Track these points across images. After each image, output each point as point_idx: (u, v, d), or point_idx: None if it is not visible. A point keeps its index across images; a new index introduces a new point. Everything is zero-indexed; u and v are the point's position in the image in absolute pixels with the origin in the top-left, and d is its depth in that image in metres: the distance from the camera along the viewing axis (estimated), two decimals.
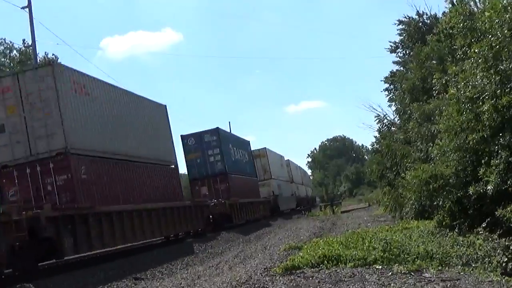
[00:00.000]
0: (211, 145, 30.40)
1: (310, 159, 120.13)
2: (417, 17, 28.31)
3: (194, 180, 30.40)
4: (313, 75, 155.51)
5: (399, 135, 22.44)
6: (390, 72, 30.71)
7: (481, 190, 11.04)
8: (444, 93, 15.36)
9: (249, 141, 40.16)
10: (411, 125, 18.85)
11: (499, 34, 10.83)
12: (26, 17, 26.48)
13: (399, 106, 24.79)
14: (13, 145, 15.77)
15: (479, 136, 11.25)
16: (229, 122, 60.27)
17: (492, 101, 10.72)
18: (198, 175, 30.23)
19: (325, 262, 9.12)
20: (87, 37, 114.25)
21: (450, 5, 18.68)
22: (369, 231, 13.89)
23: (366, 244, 10.28)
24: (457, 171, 12.35)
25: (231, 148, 33.33)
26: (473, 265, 8.79)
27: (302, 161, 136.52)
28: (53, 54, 39.69)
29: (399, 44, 29.92)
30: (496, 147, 10.80)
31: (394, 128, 26.36)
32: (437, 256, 9.13)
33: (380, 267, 8.59)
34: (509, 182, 10.32)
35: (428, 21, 27.71)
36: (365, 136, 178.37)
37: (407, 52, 28.88)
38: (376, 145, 30.43)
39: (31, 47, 27.80)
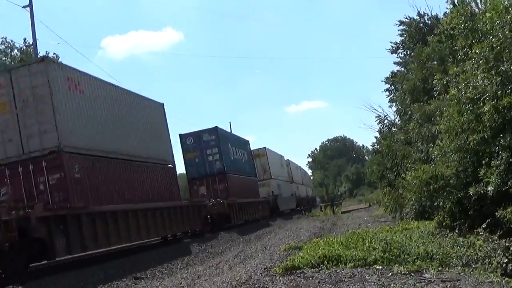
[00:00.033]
0: (210, 144, 30.08)
1: (310, 159, 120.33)
2: (418, 17, 28.34)
3: (192, 180, 30.03)
4: (313, 75, 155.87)
5: (400, 136, 22.45)
6: (391, 72, 30.77)
7: (482, 191, 11.04)
8: (445, 94, 15.37)
9: (248, 141, 39.85)
10: (412, 125, 18.86)
11: (500, 35, 10.84)
12: (27, 16, 26.50)
13: (399, 107, 24.81)
14: (5, 143, 15.45)
15: (480, 137, 11.26)
16: (230, 122, 60.40)
17: (493, 102, 10.73)
18: (196, 175, 29.90)
19: (325, 262, 9.12)
20: (88, 37, 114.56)
21: (451, 6, 18.67)
22: (369, 232, 13.88)
23: (366, 245, 10.28)
24: (458, 172, 12.35)
25: (230, 148, 33.00)
26: (473, 266, 8.79)
27: (302, 161, 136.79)
28: (54, 53, 39.72)
29: (400, 45, 29.95)
30: (497, 148, 10.80)
31: (394, 129, 26.38)
32: (437, 256, 9.12)
33: (380, 267, 8.59)
34: (509, 183, 10.33)
35: (429, 22, 27.73)
36: (365, 136, 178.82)
37: (408, 52, 28.90)
38: (377, 145, 30.48)
39: (32, 46, 27.83)
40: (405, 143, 20.88)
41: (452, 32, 17.02)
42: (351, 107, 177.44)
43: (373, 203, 41.19)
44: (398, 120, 26.15)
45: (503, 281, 7.42)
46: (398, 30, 29.46)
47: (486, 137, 11.15)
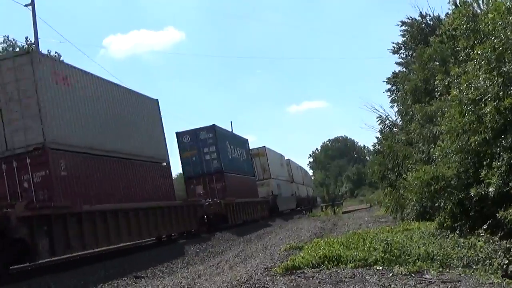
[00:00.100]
0: (207, 142, 29.44)
1: (311, 159, 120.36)
2: (420, 18, 28.34)
3: (189, 179, 29.40)
4: (314, 75, 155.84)
5: (401, 136, 22.46)
6: (393, 73, 30.79)
7: (483, 192, 11.04)
8: (447, 95, 15.37)
9: (247, 139, 39.24)
10: (413, 126, 18.85)
11: (502, 36, 10.82)
12: (29, 15, 26.41)
13: (401, 107, 24.80)
14: None
15: (481, 138, 11.25)
16: (231, 121, 60.09)
17: (495, 103, 10.72)
18: (193, 174, 29.28)
19: (326, 262, 9.12)
20: (90, 36, 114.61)
21: (453, 7, 18.65)
22: (370, 232, 13.88)
23: (367, 245, 10.27)
24: (459, 172, 12.34)
25: (228, 146, 32.32)
26: (474, 267, 8.78)
27: (303, 161, 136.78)
28: (56, 52, 39.76)
29: (402, 45, 29.94)
30: (498, 149, 10.79)
31: (396, 129, 26.38)
32: (438, 257, 9.12)
33: (380, 268, 8.58)
34: (510, 184, 10.32)
35: (431, 23, 27.72)
36: (367, 137, 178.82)
37: (410, 53, 28.89)
38: (378, 146, 30.44)
39: (34, 45, 27.78)
40: (406, 144, 20.88)
41: (454, 33, 17.00)
42: (352, 107, 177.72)
43: (374, 204, 41.18)
44: (400, 121, 26.15)
45: (504, 283, 7.41)
46: (400, 31, 29.48)
47: (487, 138, 11.14)
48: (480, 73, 11.41)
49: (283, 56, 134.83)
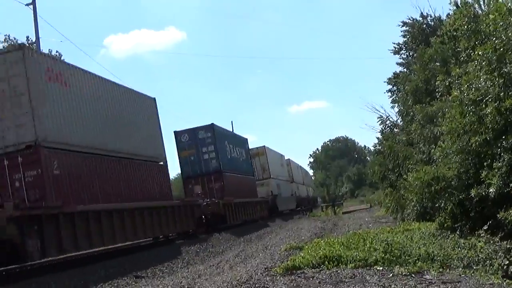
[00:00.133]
0: (206, 142, 29.02)
1: (312, 160, 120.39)
2: (421, 19, 28.40)
3: (187, 179, 28.92)
4: (314, 75, 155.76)
5: (402, 137, 22.46)
6: (393, 73, 30.81)
7: (483, 193, 11.04)
8: (447, 95, 15.37)
9: (246, 139, 38.84)
10: (414, 126, 18.85)
11: (503, 36, 10.83)
12: (30, 14, 26.51)
13: (402, 108, 24.78)
14: None
15: (482, 139, 11.25)
16: (232, 121, 59.99)
17: (495, 104, 10.72)
18: (191, 173, 28.84)
19: (326, 262, 9.10)
20: (91, 35, 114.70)
21: (455, 7, 18.67)
22: (370, 232, 13.88)
23: (367, 245, 10.27)
24: (459, 173, 12.35)
25: (227, 145, 31.91)
26: (474, 268, 8.79)
27: (304, 161, 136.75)
28: (56, 51, 39.74)
29: (403, 46, 29.98)
30: (499, 149, 10.80)
31: (396, 130, 26.38)
32: (438, 258, 9.12)
33: (381, 268, 8.57)
34: (511, 185, 10.32)
35: (432, 23, 27.77)
36: (367, 137, 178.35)
37: (411, 53, 28.92)
38: (379, 146, 30.46)
39: (35, 44, 27.81)
40: (407, 144, 20.88)
41: (455, 33, 17.01)
42: (352, 107, 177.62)
43: (374, 204, 41.19)
44: (400, 121, 26.14)
45: (504, 283, 7.41)
46: (401, 31, 29.56)
47: (488, 138, 11.14)
48: (481, 74, 11.42)
49: (284, 56, 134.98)
